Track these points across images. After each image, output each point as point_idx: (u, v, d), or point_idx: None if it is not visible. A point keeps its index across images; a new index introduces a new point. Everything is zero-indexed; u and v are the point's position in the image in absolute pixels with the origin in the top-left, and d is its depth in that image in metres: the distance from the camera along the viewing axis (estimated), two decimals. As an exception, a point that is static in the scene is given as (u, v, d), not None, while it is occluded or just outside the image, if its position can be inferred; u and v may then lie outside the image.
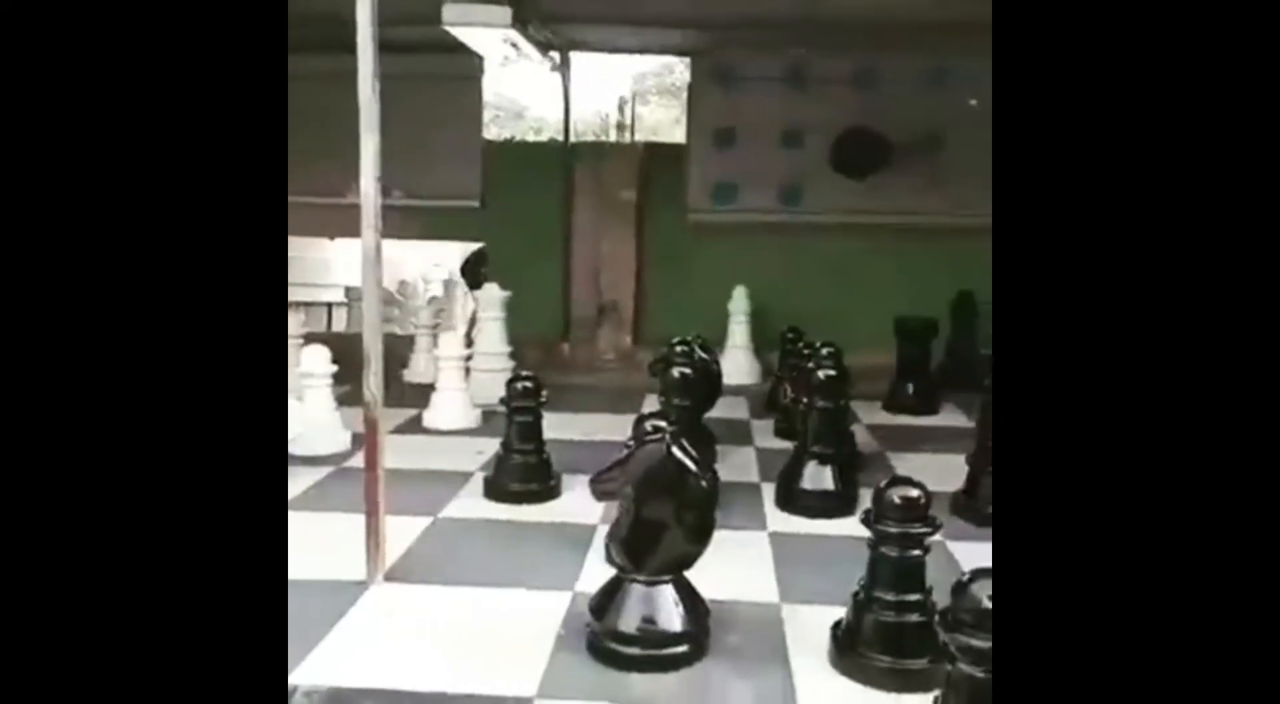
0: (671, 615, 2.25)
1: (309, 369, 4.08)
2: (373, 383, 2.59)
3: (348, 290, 9.17)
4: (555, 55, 5.76)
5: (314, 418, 3.98)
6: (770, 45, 5.97)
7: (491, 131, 10.50)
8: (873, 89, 6.08)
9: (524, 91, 10.76)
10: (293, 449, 3.72)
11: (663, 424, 2.87)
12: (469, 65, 5.85)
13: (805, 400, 3.47)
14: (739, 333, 5.92)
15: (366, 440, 2.61)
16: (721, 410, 4.87)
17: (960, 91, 6.06)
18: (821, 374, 3.37)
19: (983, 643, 1.58)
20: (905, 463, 4.03)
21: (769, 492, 3.54)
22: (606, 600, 2.30)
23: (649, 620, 2.24)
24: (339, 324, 8.89)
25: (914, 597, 2.18)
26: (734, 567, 2.85)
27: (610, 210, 6.43)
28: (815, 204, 6.23)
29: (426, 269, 9.77)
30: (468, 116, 6.37)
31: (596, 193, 6.44)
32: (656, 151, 6.63)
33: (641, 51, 6.54)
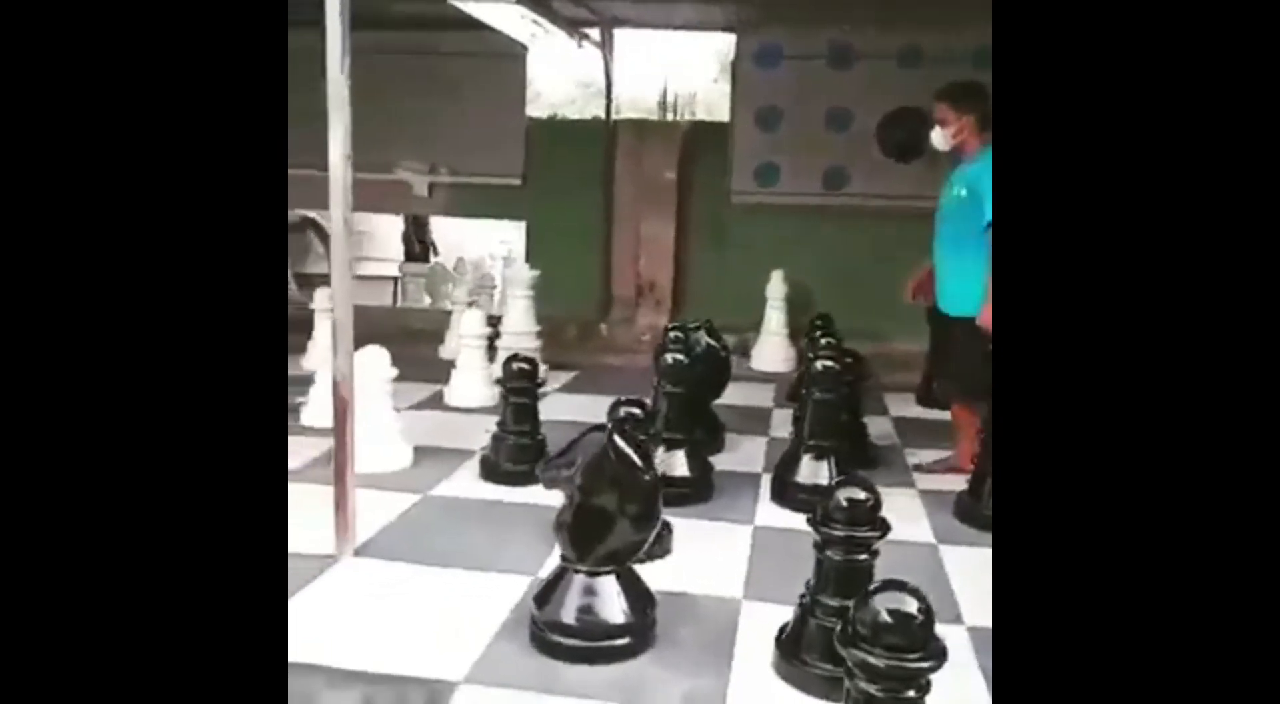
0: (612, 607, 2.20)
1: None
2: (342, 361, 2.60)
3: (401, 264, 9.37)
4: (589, 32, 5.68)
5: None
6: (814, 21, 5.77)
7: (543, 107, 10.45)
8: (917, 68, 5.82)
9: (571, 69, 10.67)
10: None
11: (635, 410, 2.82)
12: (513, 42, 5.83)
13: (804, 391, 3.36)
14: (774, 318, 5.78)
15: (336, 418, 2.63)
16: (745, 397, 4.78)
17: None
18: (819, 364, 3.26)
19: (878, 660, 1.49)
20: (919, 459, 3.87)
21: (769, 483, 3.45)
22: (550, 590, 2.26)
23: (588, 612, 2.19)
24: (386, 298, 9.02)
25: (859, 603, 2.08)
26: (708, 558, 2.79)
27: (651, 190, 6.35)
28: (860, 187, 6.03)
29: (493, 246, 9.86)
30: (511, 94, 6.35)
31: (638, 172, 6.36)
32: (700, 131, 6.50)
33: (683, 28, 6.38)
